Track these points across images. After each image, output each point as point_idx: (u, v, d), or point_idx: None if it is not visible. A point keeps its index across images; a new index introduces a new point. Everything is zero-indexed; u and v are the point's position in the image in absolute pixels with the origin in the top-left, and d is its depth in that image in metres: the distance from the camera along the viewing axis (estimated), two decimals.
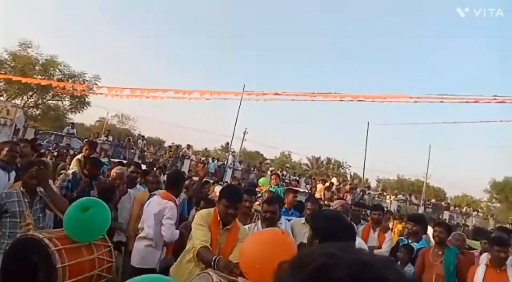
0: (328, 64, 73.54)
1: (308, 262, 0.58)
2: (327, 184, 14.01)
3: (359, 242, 3.42)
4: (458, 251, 4.31)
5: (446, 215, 21.34)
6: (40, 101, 23.33)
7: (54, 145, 13.80)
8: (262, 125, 66.35)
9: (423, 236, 5.06)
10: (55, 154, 10.27)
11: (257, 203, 6.01)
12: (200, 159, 20.35)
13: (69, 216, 2.59)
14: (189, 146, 20.14)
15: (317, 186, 14.33)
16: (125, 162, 8.98)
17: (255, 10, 74.87)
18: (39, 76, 20.83)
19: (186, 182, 7.37)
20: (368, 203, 16.57)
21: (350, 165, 45.12)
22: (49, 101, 23.80)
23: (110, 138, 18.56)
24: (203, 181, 7.93)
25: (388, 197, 23.82)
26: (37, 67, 21.70)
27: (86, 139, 10.28)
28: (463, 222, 18.52)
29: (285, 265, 0.63)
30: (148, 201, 3.91)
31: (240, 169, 20.04)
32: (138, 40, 75.61)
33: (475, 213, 24.91)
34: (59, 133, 17.77)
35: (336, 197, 11.92)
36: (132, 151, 18.28)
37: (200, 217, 2.80)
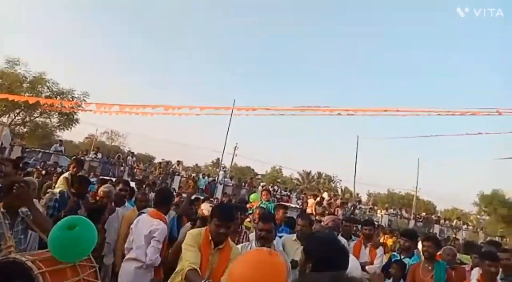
0: (318, 78, 74.39)
1: None
2: (318, 198, 14.00)
3: (351, 259, 3.39)
4: (448, 266, 4.31)
5: (436, 229, 21.42)
6: (27, 118, 23.07)
7: (42, 163, 13.54)
8: (253, 140, 66.72)
9: (415, 251, 5.06)
10: (44, 172, 10.07)
11: (248, 219, 5.97)
12: (191, 175, 20.19)
13: (55, 235, 2.52)
14: (179, 162, 20.02)
15: (308, 200, 14.30)
16: (114, 179, 8.88)
17: (245, 26, 75.88)
18: (27, 94, 20.64)
19: (176, 199, 7.31)
20: (359, 218, 16.55)
21: (340, 179, 45.33)
22: (37, 119, 23.54)
23: (99, 155, 18.34)
24: (194, 197, 7.88)
25: (379, 211, 23.88)
26: (24, 85, 21.55)
27: (73, 157, 10.13)
28: (454, 236, 18.58)
29: None
30: (136, 220, 3.81)
31: (231, 184, 19.93)
32: (127, 57, 75.71)
33: (465, 226, 25.08)
34: (47, 151, 17.50)
35: (327, 211, 11.88)
36: (122, 168, 18.06)
37: (191, 238, 2.74)
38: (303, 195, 20.22)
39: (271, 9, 73.47)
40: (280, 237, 4.50)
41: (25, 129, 23.66)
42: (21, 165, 10.95)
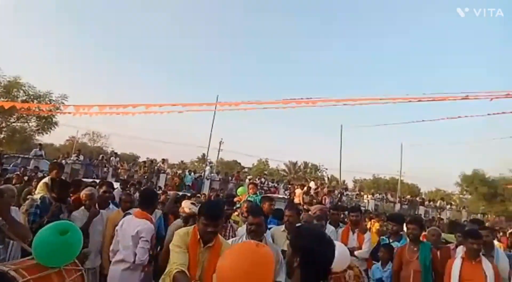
0: (301, 70, 74.47)
1: None
2: (305, 188, 14.13)
3: (339, 245, 3.43)
4: (433, 246, 4.42)
5: (421, 210, 21.99)
6: (3, 124, 22.35)
7: (22, 169, 13.17)
8: (238, 134, 66.46)
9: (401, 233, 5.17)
10: (26, 178, 9.78)
11: (236, 213, 5.96)
12: (176, 172, 20.02)
13: (45, 240, 2.45)
14: (164, 160, 19.82)
15: (296, 191, 14.42)
16: (97, 181, 8.71)
17: (225, 21, 75.08)
18: (2, 99, 19.96)
19: (162, 197, 7.24)
20: (346, 204, 16.81)
21: (326, 168, 45.80)
22: (14, 124, 22.85)
23: (81, 157, 17.98)
24: (181, 194, 7.83)
25: (365, 196, 24.32)
26: None
27: (53, 161, 9.88)
28: (438, 216, 19.10)
29: None
30: (121, 221, 3.77)
31: (218, 179, 19.87)
32: (106, 56, 73.97)
33: (449, 206, 25.79)
34: (26, 156, 17.04)
35: (315, 200, 12.00)
36: (105, 169, 17.77)
37: (178, 238, 2.69)
38: (290, 186, 20.37)
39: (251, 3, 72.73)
40: (269, 228, 4.52)
41: (2, 135, 22.94)
42: (0, 172, 10.67)
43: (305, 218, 4.88)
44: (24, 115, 21.57)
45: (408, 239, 4.50)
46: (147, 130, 64.91)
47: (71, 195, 4.69)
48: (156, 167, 18.51)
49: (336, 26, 71.79)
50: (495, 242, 5.34)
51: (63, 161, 15.67)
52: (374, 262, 4.94)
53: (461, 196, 36.41)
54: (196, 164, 43.99)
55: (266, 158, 47.83)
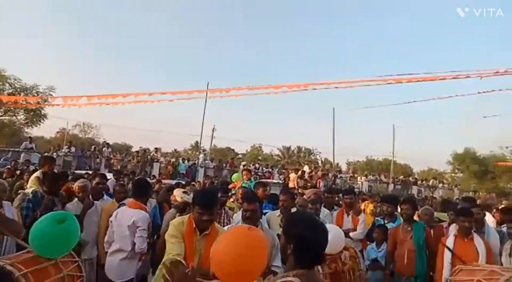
0: (292, 54, 73.84)
1: None
2: (300, 172, 14.19)
3: (333, 228, 3.46)
4: (426, 225, 4.48)
5: (414, 190, 22.31)
6: None
7: (13, 162, 13.00)
8: (230, 121, 66.21)
9: (396, 214, 5.24)
10: (18, 172, 9.66)
11: (231, 200, 5.97)
12: (170, 160, 19.97)
13: (44, 230, 2.45)
14: (157, 149, 19.70)
15: (290, 175, 14.48)
16: (90, 172, 8.64)
17: (212, 8, 73.64)
18: None
19: (156, 186, 7.23)
20: (340, 187, 16.97)
21: (320, 151, 46.07)
22: (2, 117, 22.46)
23: (73, 149, 17.80)
24: (175, 183, 7.81)
25: (359, 178, 24.58)
26: None
27: (44, 154, 9.76)
28: (431, 195, 19.40)
29: None
30: (115, 212, 3.78)
31: (212, 166, 19.88)
32: (92, 45, 72.40)
33: (441, 185, 26.20)
34: (17, 149, 16.81)
35: (309, 184, 12.09)
36: (98, 160, 17.63)
37: (172, 228, 2.70)
38: (284, 170, 20.47)
39: None
40: (265, 214, 4.54)
41: None
42: None
43: (300, 202, 4.91)
44: (12, 108, 21.20)
45: (402, 220, 4.56)
46: (138, 120, 64.10)
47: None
48: (149, 156, 18.42)
49: (333, 18, 70.84)
50: (492, 218, 5.43)
51: (54, 154, 15.49)
52: (369, 243, 5.01)
53: (453, 174, 36.96)
54: (189, 152, 43.88)
55: (259, 143, 47.92)
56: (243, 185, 7.11)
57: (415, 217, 4.74)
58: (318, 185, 13.43)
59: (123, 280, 3.54)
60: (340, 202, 6.27)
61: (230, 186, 7.59)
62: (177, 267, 2.38)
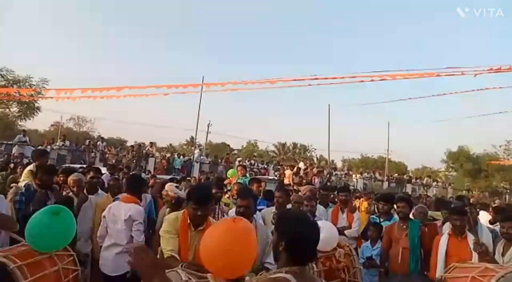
0: (288, 50, 73.73)
1: None
2: (295, 169, 14.19)
3: (328, 225, 3.46)
4: (421, 223, 4.50)
5: (408, 188, 22.42)
6: None
7: (6, 156, 12.86)
8: (226, 116, 65.97)
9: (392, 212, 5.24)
10: (12, 166, 9.55)
11: (226, 195, 5.96)
12: (165, 155, 19.89)
13: (40, 222, 2.46)
14: (152, 144, 19.62)
15: (286, 172, 14.48)
16: (85, 166, 8.57)
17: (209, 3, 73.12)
18: None
19: (151, 181, 7.20)
20: (335, 184, 17.03)
21: (315, 148, 46.12)
22: None
23: (67, 143, 17.66)
24: (169, 178, 7.78)
25: (354, 175, 24.64)
26: None
27: (38, 147, 9.65)
28: (425, 193, 19.51)
29: None
30: (108, 207, 3.79)
31: (207, 162, 19.84)
32: (87, 39, 71.56)
33: (435, 183, 26.36)
34: (10, 142, 16.65)
35: (304, 181, 12.09)
36: (93, 154, 17.52)
37: (167, 224, 2.72)
38: (280, 167, 20.47)
39: None
40: (260, 210, 4.54)
41: None
42: None
43: (295, 198, 4.91)
44: (4, 101, 20.98)
45: (398, 218, 4.58)
46: (133, 114, 63.71)
47: None
48: (144, 151, 18.33)
49: (333, 21, 70.63)
50: (488, 217, 5.45)
51: (48, 147, 15.36)
52: (363, 241, 5.03)
53: (446, 173, 37.18)
54: (184, 146, 43.77)
55: (255, 139, 47.87)
56: (238, 181, 7.11)
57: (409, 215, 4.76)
58: (313, 182, 13.45)
59: (119, 274, 3.56)
60: (336, 199, 6.28)
61: (225, 182, 7.58)
62: (173, 262, 2.38)
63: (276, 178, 14.96)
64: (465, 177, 31.65)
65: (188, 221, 2.70)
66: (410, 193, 19.91)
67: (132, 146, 19.41)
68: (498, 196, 25.14)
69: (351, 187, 15.40)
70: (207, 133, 30.86)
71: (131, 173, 8.47)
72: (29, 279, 2.18)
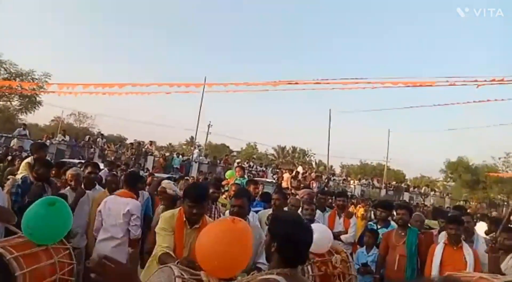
0: (292, 54, 73.83)
1: None
2: (294, 172, 14.20)
3: (323, 229, 3.45)
4: (419, 232, 4.49)
5: (406, 196, 22.40)
6: None
7: (5, 148, 12.86)
8: (226, 117, 65.99)
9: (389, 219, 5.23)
10: (9, 158, 9.55)
11: (223, 196, 5.96)
12: (164, 154, 19.88)
13: (36, 213, 2.47)
14: (151, 142, 19.64)
15: (284, 175, 14.49)
16: (83, 161, 8.56)
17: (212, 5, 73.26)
18: None
19: (149, 179, 7.19)
20: (333, 189, 17.01)
21: (314, 153, 46.06)
22: None
23: (67, 138, 17.66)
24: (167, 177, 7.78)
25: (352, 182, 24.63)
26: None
27: (38, 141, 9.64)
28: (422, 202, 19.50)
29: None
30: (104, 201, 3.83)
31: (206, 162, 19.83)
32: (90, 38, 71.65)
33: (433, 192, 26.36)
34: (10, 135, 16.65)
35: (302, 185, 12.09)
36: (92, 150, 17.52)
37: (163, 221, 2.74)
38: (278, 170, 20.47)
39: None
40: (257, 212, 4.54)
41: None
42: None
43: (293, 201, 4.91)
44: (6, 94, 20.99)
45: (396, 226, 4.57)
46: (134, 112, 63.69)
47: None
48: (143, 149, 18.33)
49: (336, 21, 70.70)
50: (486, 228, 5.43)
51: (48, 141, 15.36)
52: (359, 246, 5.01)
53: (445, 182, 37.17)
54: (184, 146, 43.75)
55: (254, 142, 47.85)
56: (236, 181, 7.11)
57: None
58: (311, 186, 13.44)
59: None
60: (333, 204, 6.27)
61: (223, 183, 7.58)
62: (168, 258, 2.39)
63: (274, 181, 14.96)
64: (463, 188, 31.65)
65: (184, 218, 2.71)
66: (407, 201, 19.92)
67: (131, 144, 19.41)
68: (495, 208, 25.10)
69: (349, 193, 15.39)
70: (207, 133, 30.83)
71: (129, 170, 8.47)
72: (25, 270, 2.18)
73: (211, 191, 4.26)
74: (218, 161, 20.93)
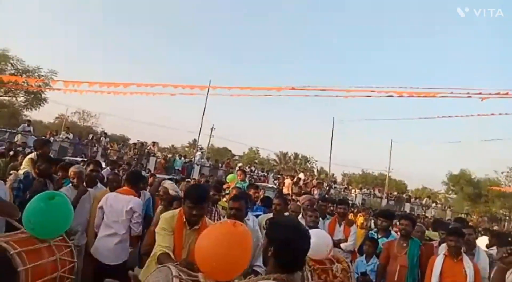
0: (297, 60, 74.01)
1: None
2: (295, 179, 14.19)
3: (323, 236, 3.44)
4: (421, 243, 4.45)
5: (407, 207, 22.29)
6: None
7: (8, 143, 12.92)
8: (230, 121, 66.15)
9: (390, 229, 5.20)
10: (11, 153, 9.59)
11: (224, 199, 5.95)
12: (166, 156, 19.91)
13: (36, 208, 2.48)
14: (154, 143, 19.69)
15: (285, 181, 14.48)
16: (85, 160, 8.60)
17: (219, 8, 73.67)
18: None
19: (150, 180, 7.19)
20: (334, 197, 16.94)
21: (316, 160, 45.99)
22: (2, 98, 22.37)
23: (71, 136, 17.73)
24: (168, 178, 7.78)
25: (353, 190, 24.55)
26: None
27: (41, 137, 9.69)
28: (423, 213, 19.38)
29: None
30: (105, 197, 3.85)
31: (208, 165, 19.84)
32: (97, 39, 72.14)
33: (434, 204, 26.20)
34: (14, 131, 16.73)
35: (303, 191, 12.06)
36: (95, 148, 17.57)
37: (163, 221, 2.74)
38: (280, 176, 20.44)
39: None
40: (257, 216, 4.53)
41: None
42: None
43: (293, 207, 4.90)
44: (12, 89, 21.12)
45: (396, 236, 4.54)
46: (138, 112, 64.04)
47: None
48: (146, 150, 18.38)
49: (341, 20, 71.00)
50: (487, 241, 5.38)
51: (51, 138, 15.43)
52: (358, 255, 4.98)
53: (446, 195, 36.95)
54: (186, 149, 43.81)
55: (256, 146, 47.85)
56: (237, 185, 7.10)
57: None
58: (312, 193, 13.41)
59: (118, 263, 3.69)
60: (334, 212, 6.24)
61: (224, 186, 7.58)
62: (166, 259, 2.39)
63: (275, 186, 14.93)
64: (464, 201, 31.44)
65: (184, 219, 2.71)
66: (408, 212, 19.81)
67: (134, 144, 19.46)
68: (497, 222, 24.92)
69: (350, 202, 15.34)
70: (210, 137, 30.89)
71: (131, 170, 8.50)
72: (27, 266, 2.19)
73: (211, 193, 4.27)
74: (220, 164, 20.95)
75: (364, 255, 4.75)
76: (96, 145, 17.84)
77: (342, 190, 23.51)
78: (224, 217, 4.43)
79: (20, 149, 11.72)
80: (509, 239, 3.84)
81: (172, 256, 2.49)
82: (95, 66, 64.83)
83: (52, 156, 5.44)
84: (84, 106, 40.60)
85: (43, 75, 21.26)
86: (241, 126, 70.50)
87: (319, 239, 3.05)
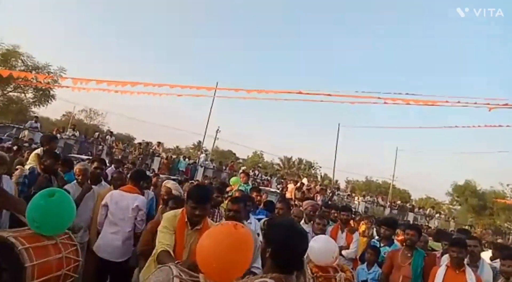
0: (304, 64, 74.06)
1: None
2: (298, 184, 14.14)
3: (328, 240, 3.43)
4: (425, 254, 4.41)
5: (410, 217, 22.13)
6: (0, 93, 22.09)
7: (15, 139, 13.05)
8: (235, 124, 66.25)
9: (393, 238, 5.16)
10: (15, 148, 9.68)
11: (227, 201, 5.95)
12: (171, 156, 19.98)
13: (36, 205, 2.49)
14: (159, 143, 19.78)
15: (288, 186, 14.44)
16: (90, 158, 8.65)
17: (229, 9, 74.12)
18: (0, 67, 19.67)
19: (154, 180, 7.21)
20: (337, 204, 16.86)
21: (320, 166, 45.88)
22: (11, 93, 22.58)
23: (77, 133, 17.86)
24: (172, 179, 7.80)
25: (356, 198, 24.43)
26: None
27: (48, 133, 9.76)
28: (426, 224, 19.23)
29: None
30: (109, 195, 3.88)
31: (211, 167, 19.87)
32: (107, 33, 72.77)
33: (438, 215, 25.98)
34: (21, 126, 16.89)
35: (306, 197, 12.01)
36: (100, 147, 17.68)
37: (165, 220, 2.75)
38: (283, 180, 20.43)
39: None
40: (259, 220, 4.53)
41: None
42: None
43: (296, 212, 4.89)
44: (21, 85, 21.31)
45: (399, 245, 4.50)
46: (144, 112, 64.34)
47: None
48: (151, 150, 18.46)
49: (341, 24, 71.05)
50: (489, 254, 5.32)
51: (58, 135, 15.55)
52: (360, 263, 4.95)
53: (450, 206, 36.60)
54: (191, 150, 43.91)
55: (261, 150, 47.84)
56: (240, 188, 7.11)
57: None
58: (315, 199, 13.35)
59: (123, 260, 3.77)
60: (336, 218, 6.22)
61: (227, 189, 7.57)
62: (166, 258, 2.39)
63: (278, 191, 14.90)
64: (469, 212, 31.09)
65: (186, 219, 2.71)
66: (411, 222, 19.66)
67: (139, 143, 19.57)
68: (501, 235, 24.62)
69: (353, 209, 15.25)
70: (215, 139, 30.94)
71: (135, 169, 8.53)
72: (34, 262, 2.21)
73: (215, 194, 4.27)
74: (224, 167, 20.97)
75: (366, 263, 4.72)
76: (102, 144, 17.95)
77: (345, 197, 23.43)
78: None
79: (26, 144, 11.83)
80: None
81: (172, 254, 2.50)
82: (105, 65, 65.32)
83: (57, 152, 5.46)
84: (91, 105, 40.93)
85: (52, 72, 21.43)
86: (246, 129, 70.59)
87: (326, 245, 3.05)
